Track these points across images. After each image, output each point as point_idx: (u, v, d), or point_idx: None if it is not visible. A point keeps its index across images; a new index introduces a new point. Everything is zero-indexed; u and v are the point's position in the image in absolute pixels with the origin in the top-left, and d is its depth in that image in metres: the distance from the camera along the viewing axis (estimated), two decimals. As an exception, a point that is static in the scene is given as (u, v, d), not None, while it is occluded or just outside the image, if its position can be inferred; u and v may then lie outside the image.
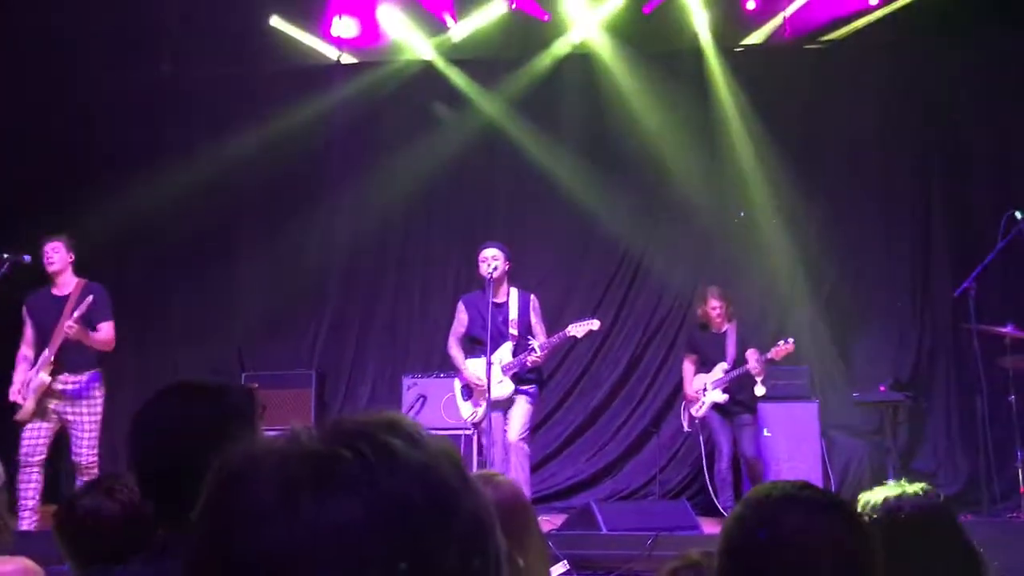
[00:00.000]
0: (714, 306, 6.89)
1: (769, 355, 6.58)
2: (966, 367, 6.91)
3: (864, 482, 7.37)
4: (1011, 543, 4.07)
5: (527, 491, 5.88)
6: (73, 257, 6.05)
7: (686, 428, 7.10)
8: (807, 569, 1.22)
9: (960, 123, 7.80)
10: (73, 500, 2.16)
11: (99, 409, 5.96)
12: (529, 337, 6.10)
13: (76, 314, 5.73)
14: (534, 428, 6.47)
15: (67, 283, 6.02)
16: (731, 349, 6.84)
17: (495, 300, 6.08)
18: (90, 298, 5.79)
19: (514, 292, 6.23)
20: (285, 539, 0.64)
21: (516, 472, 5.86)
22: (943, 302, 7.48)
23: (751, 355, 6.72)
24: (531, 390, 6.13)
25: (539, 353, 5.99)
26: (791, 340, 6.59)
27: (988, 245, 6.45)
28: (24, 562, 2.37)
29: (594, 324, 6.01)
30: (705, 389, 6.86)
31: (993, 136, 7.74)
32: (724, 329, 6.93)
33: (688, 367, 7.07)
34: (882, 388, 7.31)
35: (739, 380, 6.77)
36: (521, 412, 6.03)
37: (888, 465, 7.13)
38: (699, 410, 6.87)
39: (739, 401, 6.83)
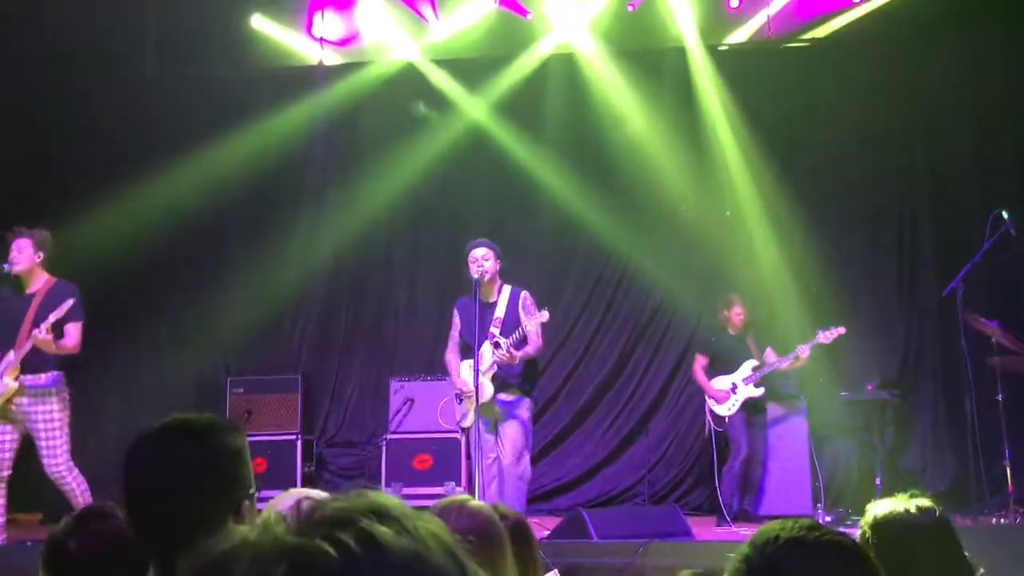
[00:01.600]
0: (738, 312, 7.02)
1: (819, 339, 6.66)
2: (953, 366, 6.93)
3: (852, 481, 7.41)
4: (997, 549, 4.07)
5: (523, 509, 5.80)
6: (42, 256, 5.77)
7: (711, 427, 6.98)
8: None
9: (945, 121, 7.80)
10: (58, 540, 2.11)
11: (66, 412, 5.67)
12: (511, 340, 5.93)
13: (50, 320, 5.46)
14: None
15: (36, 281, 5.75)
16: (754, 349, 7.01)
17: (486, 300, 6.00)
18: (70, 302, 5.52)
19: (506, 290, 6.10)
20: None
21: (508, 496, 5.77)
22: (930, 301, 7.50)
23: (770, 354, 6.94)
24: (512, 402, 5.93)
25: (504, 349, 5.76)
26: (842, 327, 6.66)
27: (974, 244, 6.47)
28: None
29: (543, 316, 5.84)
30: (735, 387, 6.89)
31: (978, 134, 7.75)
32: (742, 333, 7.06)
33: (699, 369, 7.07)
34: (869, 387, 7.34)
35: (767, 377, 6.91)
36: (511, 436, 5.88)
37: (876, 463, 7.15)
38: (732, 408, 6.88)
39: (755, 402, 6.92)
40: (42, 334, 5.44)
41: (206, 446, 1.68)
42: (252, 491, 1.73)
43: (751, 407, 6.92)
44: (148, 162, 8.13)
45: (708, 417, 7.01)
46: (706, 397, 7.00)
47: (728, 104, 7.97)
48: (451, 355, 6.17)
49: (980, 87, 7.74)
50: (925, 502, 2.20)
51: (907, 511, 2.16)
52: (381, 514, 0.65)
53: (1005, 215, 6.17)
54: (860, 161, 7.93)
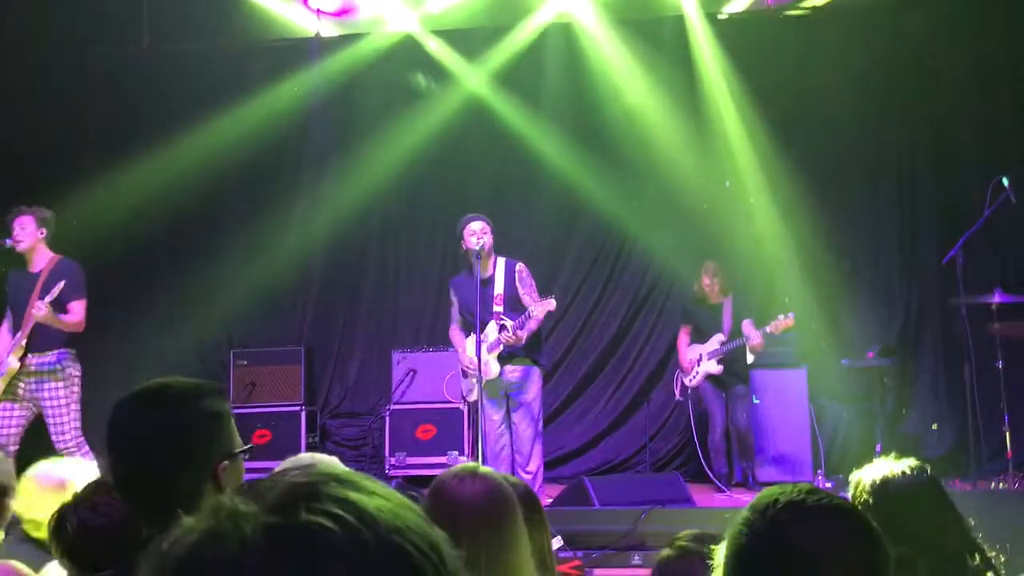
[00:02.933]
0: (707, 281, 6.95)
1: (768, 328, 6.60)
2: (953, 333, 6.96)
3: (852, 447, 7.45)
4: (995, 514, 4.11)
5: (538, 483, 5.88)
6: (45, 232, 5.79)
7: (677, 397, 7.16)
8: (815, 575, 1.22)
9: (946, 87, 7.76)
10: (62, 516, 2.15)
11: (74, 390, 5.71)
12: (514, 314, 5.98)
13: (47, 299, 5.49)
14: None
15: (40, 259, 5.78)
16: (727, 321, 6.92)
17: (483, 275, 6.01)
18: (61, 283, 5.54)
19: (501, 264, 6.13)
20: None
21: (525, 460, 5.85)
22: (930, 268, 7.50)
23: (747, 326, 6.77)
24: (520, 377, 5.98)
25: (511, 331, 5.84)
26: (791, 314, 6.59)
27: (975, 211, 6.47)
28: (11, 566, 2.36)
29: (550, 304, 5.86)
30: (700, 359, 6.91)
31: (979, 100, 7.71)
32: (720, 301, 6.98)
33: (683, 338, 7.12)
34: (870, 354, 7.36)
35: (734, 351, 6.82)
36: (524, 418, 5.95)
37: (876, 430, 7.19)
38: (693, 380, 6.92)
39: (733, 372, 6.89)
40: (42, 311, 5.46)
41: (179, 409, 1.67)
42: (234, 453, 1.72)
43: (720, 380, 6.88)
44: (145, 135, 8.12)
45: (675, 387, 7.07)
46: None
47: (727, 73, 7.92)
48: (455, 332, 6.21)
49: (981, 53, 7.68)
50: (912, 462, 2.23)
51: (901, 473, 2.19)
52: (343, 481, 0.65)
53: (1006, 182, 6.16)
54: (860, 128, 7.90)
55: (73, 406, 5.71)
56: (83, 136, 8.43)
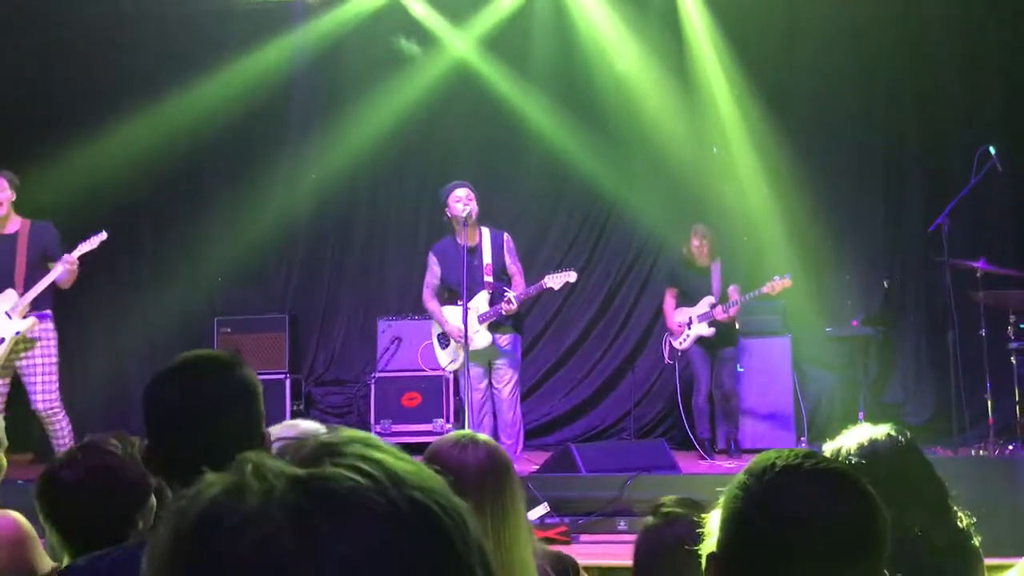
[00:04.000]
0: (695, 242, 6.93)
1: (765, 289, 6.58)
2: (937, 301, 7.00)
3: (835, 414, 7.51)
4: (976, 479, 4.16)
5: (519, 447, 5.94)
6: (14, 195, 5.77)
7: (667, 360, 7.15)
8: (813, 540, 1.22)
9: (934, 56, 7.75)
10: (53, 472, 2.11)
11: (52, 351, 5.72)
12: (504, 284, 6.00)
13: (83, 250, 5.58)
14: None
15: (13, 222, 5.76)
16: (716, 285, 6.92)
17: (468, 244, 5.98)
18: (103, 234, 5.70)
19: (486, 233, 6.10)
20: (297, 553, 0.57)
21: (506, 426, 5.90)
22: (915, 236, 7.53)
23: (733, 292, 6.79)
24: (509, 346, 6.04)
25: (515, 304, 5.88)
26: (788, 276, 6.56)
27: (961, 180, 6.48)
28: (11, 516, 2.33)
29: (571, 276, 5.91)
30: (690, 322, 6.91)
31: (967, 69, 7.70)
32: (708, 265, 6.97)
33: (669, 301, 7.11)
34: (854, 323, 7.40)
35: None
36: (508, 374, 5.98)
37: (859, 398, 7.25)
38: (683, 343, 6.93)
39: (724, 334, 6.89)
40: (69, 264, 5.52)
41: (233, 380, 1.68)
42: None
43: (709, 342, 6.89)
44: (127, 100, 8.01)
45: (664, 350, 7.09)
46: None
47: (716, 39, 7.88)
48: (432, 302, 6.18)
49: (969, 21, 7.67)
50: (888, 427, 2.24)
51: (879, 438, 2.20)
52: (367, 443, 0.65)
53: (992, 151, 6.16)
54: (848, 96, 7.88)
55: (54, 367, 5.74)
56: (65, 99, 8.32)
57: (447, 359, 6.22)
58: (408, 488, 0.62)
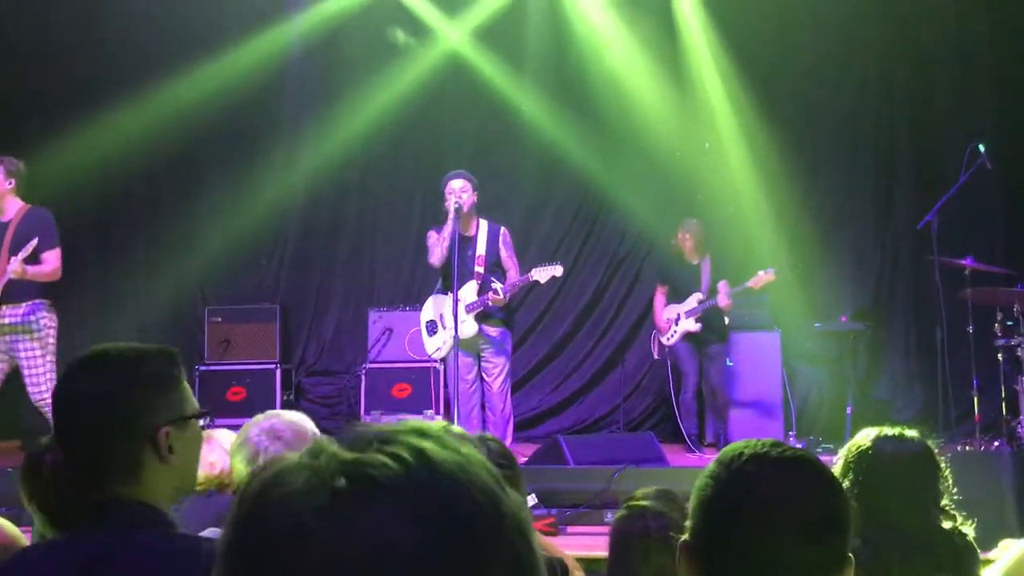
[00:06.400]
0: (683, 238, 6.95)
1: (749, 283, 6.61)
2: (926, 298, 7.03)
3: (823, 410, 7.56)
4: (962, 475, 4.18)
5: (508, 440, 5.95)
6: (13, 183, 5.75)
7: (655, 356, 7.19)
8: (781, 527, 1.26)
9: (925, 52, 7.77)
10: (36, 456, 2.11)
11: (49, 341, 5.70)
12: (493, 276, 5.99)
13: (19, 256, 5.47)
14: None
15: (9, 209, 5.74)
16: (705, 280, 6.93)
17: (464, 234, 5.99)
18: (34, 241, 5.52)
19: (484, 225, 6.09)
20: (331, 554, 0.61)
21: (495, 422, 5.91)
22: (905, 233, 7.56)
23: (723, 287, 6.79)
24: (497, 337, 6.04)
25: (501, 295, 5.85)
26: (771, 270, 6.61)
27: (950, 177, 6.51)
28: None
29: (557, 270, 5.87)
30: (678, 318, 6.93)
31: (958, 65, 7.73)
32: (697, 261, 6.99)
33: (659, 298, 7.13)
34: (843, 318, 7.43)
35: (711, 309, 6.86)
36: (497, 367, 5.97)
37: (847, 393, 7.29)
38: (671, 339, 6.95)
39: (712, 330, 6.92)
40: (15, 265, 5.43)
41: (115, 373, 1.66)
42: (183, 418, 1.70)
43: (697, 338, 6.92)
44: (120, 88, 7.97)
45: (653, 346, 7.12)
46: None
47: (709, 35, 7.89)
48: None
49: (962, 16, 7.68)
50: (915, 432, 2.30)
51: (896, 436, 2.25)
52: (423, 433, 0.68)
53: (981, 148, 6.19)
54: (839, 92, 7.90)
55: (48, 357, 5.71)
56: (57, 87, 8.27)
57: (433, 347, 6.22)
58: (441, 475, 0.65)
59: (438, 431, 0.69)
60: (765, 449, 1.33)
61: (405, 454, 0.65)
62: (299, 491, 0.64)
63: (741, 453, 1.33)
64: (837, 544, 1.29)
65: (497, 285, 5.87)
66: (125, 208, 8.43)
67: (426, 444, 0.66)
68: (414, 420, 0.71)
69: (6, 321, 5.65)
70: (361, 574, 0.61)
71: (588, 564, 4.35)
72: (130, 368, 1.67)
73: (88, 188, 7.67)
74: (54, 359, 5.75)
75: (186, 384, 1.74)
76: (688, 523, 1.35)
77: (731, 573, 1.29)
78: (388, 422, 0.73)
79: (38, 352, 5.66)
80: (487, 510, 0.65)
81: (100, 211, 8.25)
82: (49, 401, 5.52)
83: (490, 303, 5.88)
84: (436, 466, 0.65)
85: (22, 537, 2.32)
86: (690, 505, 1.36)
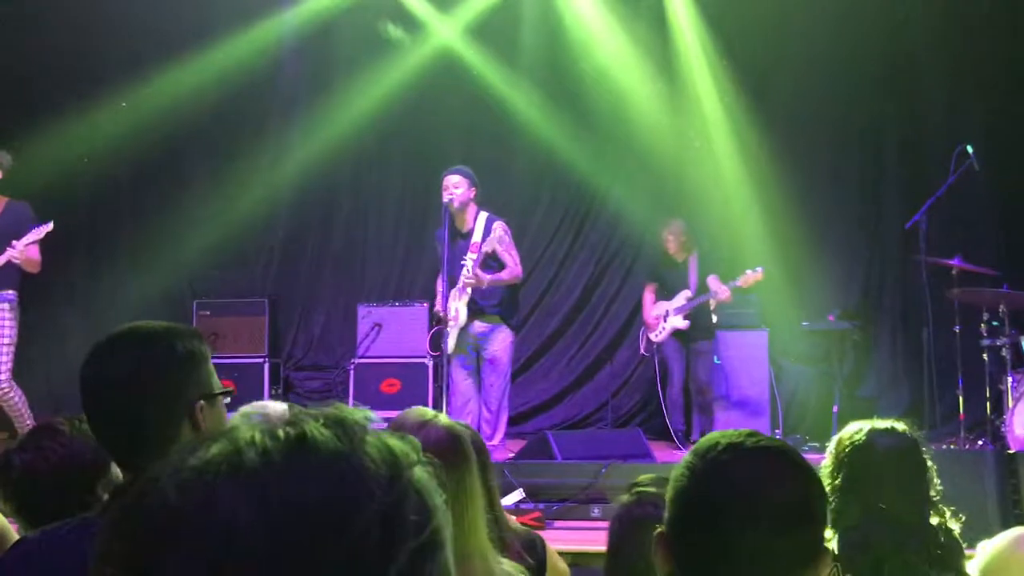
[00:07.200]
0: (668, 237, 6.98)
1: (738, 282, 6.62)
2: (913, 298, 7.07)
3: (810, 408, 7.60)
4: (946, 472, 4.22)
5: (499, 437, 5.92)
6: (1, 175, 5.78)
7: (643, 352, 7.21)
8: (756, 516, 1.26)
9: (916, 54, 7.81)
10: (7, 456, 2.12)
11: (11, 332, 5.71)
12: (488, 270, 5.96)
13: (26, 240, 5.53)
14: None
15: None
16: (693, 278, 6.95)
17: (462, 229, 5.99)
18: (49, 225, 5.61)
19: (482, 218, 6.04)
20: (168, 513, 0.61)
21: (488, 422, 5.88)
22: (893, 234, 7.60)
23: (713, 282, 6.82)
24: (488, 331, 5.96)
25: (475, 278, 5.78)
26: (760, 269, 6.62)
27: (939, 178, 6.55)
28: None
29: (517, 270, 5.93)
30: (667, 315, 6.96)
31: (948, 67, 7.76)
32: (683, 259, 7.01)
33: (648, 296, 7.16)
34: (831, 317, 7.47)
35: (699, 307, 6.87)
36: (490, 373, 5.94)
37: (834, 391, 7.33)
38: (659, 335, 6.97)
39: (699, 327, 6.94)
40: (18, 250, 5.50)
41: (149, 350, 1.66)
42: (214, 395, 1.71)
43: (685, 335, 6.93)
44: (109, 80, 7.95)
45: (641, 343, 7.14)
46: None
47: (701, 33, 7.91)
48: (440, 282, 6.15)
49: (950, 20, 7.72)
50: (899, 424, 2.32)
51: (888, 429, 2.27)
52: (334, 420, 0.66)
53: (970, 150, 6.23)
54: (830, 93, 7.92)
55: (11, 348, 5.74)
56: (45, 81, 8.24)
57: (443, 341, 6.22)
58: (304, 459, 0.63)
59: (355, 421, 0.67)
60: (741, 439, 1.32)
61: (283, 436, 0.64)
62: (181, 461, 0.64)
63: (717, 443, 1.32)
64: (812, 534, 1.28)
65: (468, 261, 5.82)
66: (113, 201, 8.40)
67: (320, 431, 0.64)
68: (346, 407, 0.69)
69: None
70: (207, 551, 0.60)
71: (574, 558, 4.38)
72: (167, 343, 1.67)
73: (76, 181, 7.65)
74: (11, 349, 5.77)
75: (211, 363, 1.75)
76: (665, 514, 1.35)
77: (707, 563, 1.27)
78: (329, 406, 0.69)
79: (5, 341, 5.70)
80: (349, 504, 0.62)
81: (88, 204, 8.23)
82: (7, 389, 5.59)
83: (464, 284, 5.83)
84: (306, 452, 0.63)
85: (11, 529, 2.32)
86: (666, 496, 1.36)
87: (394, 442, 0.67)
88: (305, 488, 0.62)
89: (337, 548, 0.61)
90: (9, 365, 5.71)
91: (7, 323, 5.71)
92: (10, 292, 5.71)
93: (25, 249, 5.56)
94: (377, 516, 0.63)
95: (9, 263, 5.58)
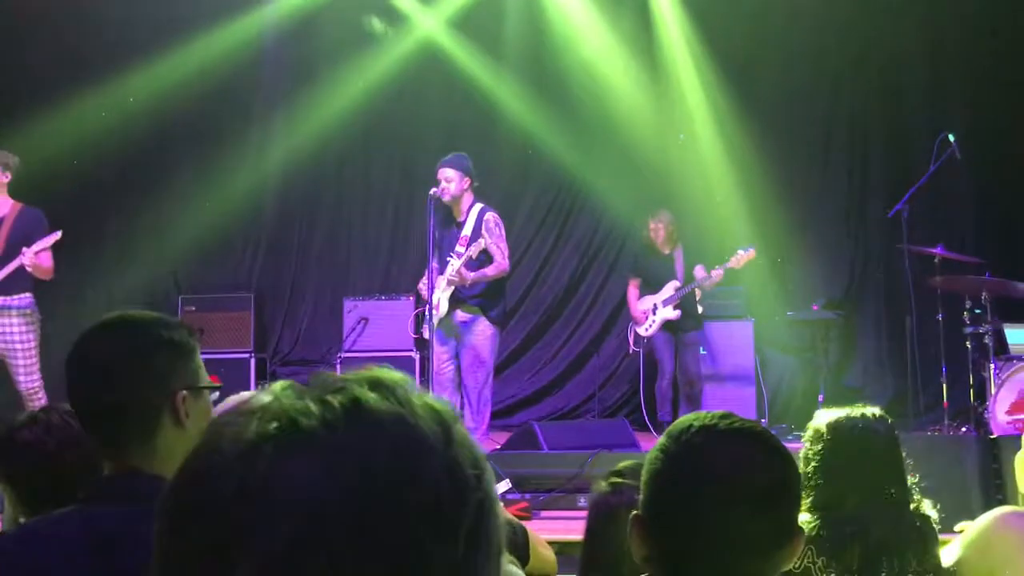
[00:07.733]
0: (655, 229, 6.94)
1: (730, 263, 6.59)
2: (897, 287, 7.11)
3: (795, 397, 7.63)
4: (930, 458, 4.25)
5: (480, 432, 5.89)
6: (9, 177, 5.80)
7: (632, 349, 7.14)
8: (730, 498, 1.26)
9: (898, 46, 7.84)
10: (10, 431, 2.10)
11: (37, 335, 5.78)
12: (478, 261, 5.92)
13: (37, 247, 5.58)
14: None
15: (2, 204, 5.78)
16: (680, 270, 6.93)
17: (456, 219, 5.96)
18: (58, 233, 5.67)
19: (476, 209, 5.97)
20: (239, 494, 0.61)
21: (470, 415, 5.85)
22: (876, 223, 7.64)
23: (699, 270, 6.81)
24: (468, 321, 5.88)
25: (459, 276, 5.71)
26: (751, 248, 6.59)
27: (921, 168, 6.58)
28: None
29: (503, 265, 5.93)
30: (655, 308, 6.93)
31: (929, 59, 7.81)
32: (669, 251, 7.00)
33: (632, 291, 7.11)
34: (815, 307, 7.50)
35: (687, 297, 6.85)
36: (469, 360, 5.87)
37: (819, 381, 7.36)
38: (649, 329, 6.94)
39: (689, 316, 6.93)
40: (27, 258, 5.54)
41: (134, 336, 1.65)
42: (199, 388, 1.71)
43: (675, 326, 6.91)
44: (91, 74, 7.89)
45: (629, 337, 7.13)
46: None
47: (684, 25, 7.92)
48: (431, 261, 6.11)
49: (933, 12, 7.76)
50: (877, 410, 2.33)
51: (862, 416, 2.28)
52: (376, 383, 0.66)
53: (951, 138, 6.26)
54: (813, 85, 7.97)
55: (35, 350, 5.79)
56: (26, 74, 8.18)
57: (426, 329, 6.19)
58: (366, 425, 0.63)
59: (395, 382, 0.66)
60: (714, 421, 1.32)
61: (338, 403, 0.63)
62: (233, 435, 0.63)
63: (690, 426, 1.32)
64: (787, 515, 1.29)
65: (454, 260, 5.80)
66: (98, 195, 8.35)
67: (369, 395, 0.64)
68: (379, 369, 0.68)
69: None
70: (291, 530, 0.59)
71: (561, 547, 4.39)
72: (154, 330, 1.67)
73: (58, 177, 7.59)
74: (37, 351, 5.83)
75: (200, 357, 1.74)
76: (640, 497, 1.35)
77: (682, 545, 1.28)
78: (357, 369, 0.69)
79: (32, 344, 5.75)
80: (417, 461, 0.63)
81: (73, 198, 8.16)
82: (39, 390, 5.63)
83: (448, 280, 5.82)
84: (365, 418, 0.63)
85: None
86: (641, 479, 1.36)
87: (432, 399, 0.68)
88: (374, 452, 0.62)
89: (416, 506, 0.62)
90: (38, 366, 5.74)
91: (20, 332, 5.73)
92: (23, 297, 5.74)
93: (36, 256, 5.58)
94: (444, 470, 0.64)
95: (21, 268, 5.60)
